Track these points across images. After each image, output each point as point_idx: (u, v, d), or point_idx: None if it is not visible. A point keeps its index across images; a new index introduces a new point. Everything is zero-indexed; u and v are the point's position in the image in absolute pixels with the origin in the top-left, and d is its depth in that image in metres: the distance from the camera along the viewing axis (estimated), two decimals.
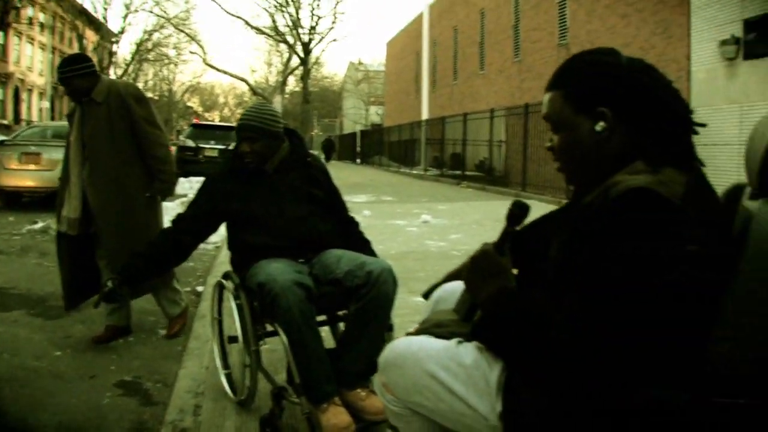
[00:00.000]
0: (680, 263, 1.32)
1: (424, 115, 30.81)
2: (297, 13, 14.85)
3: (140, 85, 46.44)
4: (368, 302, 2.94)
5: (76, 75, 4.23)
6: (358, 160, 45.72)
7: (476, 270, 1.68)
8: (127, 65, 42.54)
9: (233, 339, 3.24)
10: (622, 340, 1.34)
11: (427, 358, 1.71)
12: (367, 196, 16.04)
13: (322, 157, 44.32)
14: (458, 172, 23.70)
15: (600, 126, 1.55)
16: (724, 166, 13.82)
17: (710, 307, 1.37)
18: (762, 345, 1.37)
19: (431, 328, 1.88)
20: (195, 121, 33.90)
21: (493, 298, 1.59)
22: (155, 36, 42.60)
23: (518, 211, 1.73)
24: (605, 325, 1.35)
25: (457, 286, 2.07)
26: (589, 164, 1.61)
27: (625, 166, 1.51)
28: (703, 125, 1.60)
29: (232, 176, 3.28)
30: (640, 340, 1.35)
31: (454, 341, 1.73)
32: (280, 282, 2.78)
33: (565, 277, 1.48)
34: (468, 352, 1.67)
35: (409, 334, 1.98)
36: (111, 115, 4.23)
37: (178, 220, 3.33)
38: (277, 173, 3.28)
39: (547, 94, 1.68)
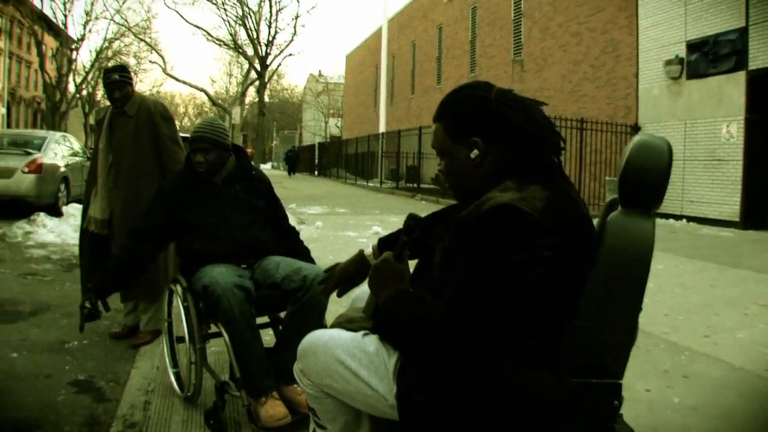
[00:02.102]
0: (535, 265, 1.58)
1: (382, 128, 30.95)
2: (256, 27, 15.01)
3: (99, 92, 45.89)
4: (303, 304, 3.21)
5: (128, 83, 4.57)
6: (317, 172, 45.62)
7: (378, 275, 1.94)
8: (87, 73, 41.94)
9: (181, 339, 3.46)
10: (487, 326, 1.60)
11: (337, 346, 1.95)
12: (322, 208, 16.16)
13: (286, 168, 43.80)
14: (414, 185, 23.86)
15: (474, 153, 1.83)
16: (669, 180, 14.27)
17: (566, 300, 1.65)
18: (608, 333, 1.68)
19: (344, 323, 2.13)
20: None
21: (389, 298, 1.83)
22: (115, 44, 42.13)
23: (412, 222, 2.01)
24: (473, 313, 1.60)
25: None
26: (468, 184, 1.89)
27: (497, 184, 1.76)
28: (563, 148, 1.88)
29: (183, 186, 3.51)
30: (503, 326, 1.60)
31: (360, 333, 1.98)
32: (222, 284, 3.04)
33: (445, 277, 1.74)
34: (371, 341, 1.91)
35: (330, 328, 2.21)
36: (139, 129, 4.49)
37: (137, 231, 3.54)
38: (224, 185, 3.54)
39: (434, 124, 1.95)
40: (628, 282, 1.67)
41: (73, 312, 5.18)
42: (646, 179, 1.69)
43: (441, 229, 2.05)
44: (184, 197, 3.46)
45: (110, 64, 45.81)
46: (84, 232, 4.67)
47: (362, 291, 2.39)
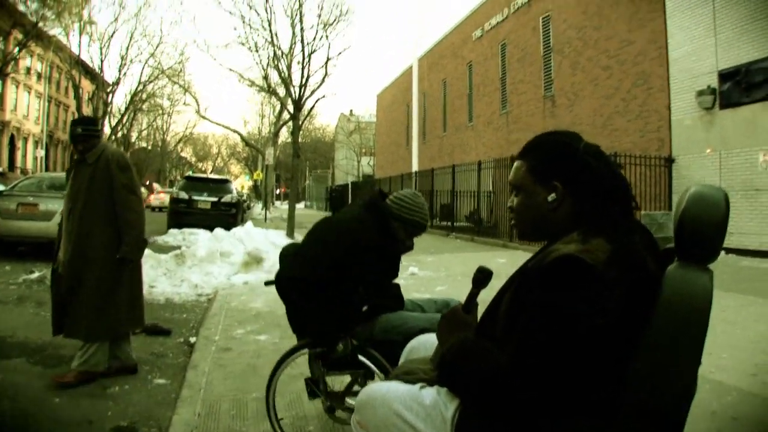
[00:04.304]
0: (598, 317, 1.62)
1: (415, 166, 31.03)
2: (288, 68, 15.23)
3: (134, 134, 46.66)
4: None
5: (94, 136, 4.77)
6: None
7: (445, 325, 2.04)
8: (122, 115, 42.86)
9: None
10: (550, 380, 1.62)
11: (394, 399, 1.99)
12: None
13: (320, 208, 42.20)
14: (448, 223, 23.79)
15: (552, 197, 1.90)
16: None
17: (626, 354, 1.66)
18: (667, 388, 1.66)
19: (402, 375, 2.17)
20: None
21: (453, 346, 1.88)
22: (150, 86, 42.99)
23: (481, 275, 2.09)
24: (537, 366, 1.63)
25: (429, 338, 2.47)
26: (536, 225, 1.96)
27: (566, 231, 1.84)
28: (637, 207, 1.94)
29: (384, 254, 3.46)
30: (565, 379, 1.63)
31: (417, 385, 2.02)
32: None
33: (509, 328, 1.78)
34: (428, 394, 1.95)
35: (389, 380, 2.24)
36: (95, 177, 4.67)
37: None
38: None
39: (516, 161, 2.02)
40: (687, 336, 1.66)
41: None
42: (703, 232, 1.68)
43: (508, 280, 2.07)
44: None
45: (145, 106, 46.92)
46: (53, 272, 4.86)
47: (418, 341, 2.52)
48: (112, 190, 4.65)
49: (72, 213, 4.68)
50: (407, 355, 2.51)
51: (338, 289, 3.18)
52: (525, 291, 1.75)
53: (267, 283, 4.01)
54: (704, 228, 1.67)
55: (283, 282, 3.38)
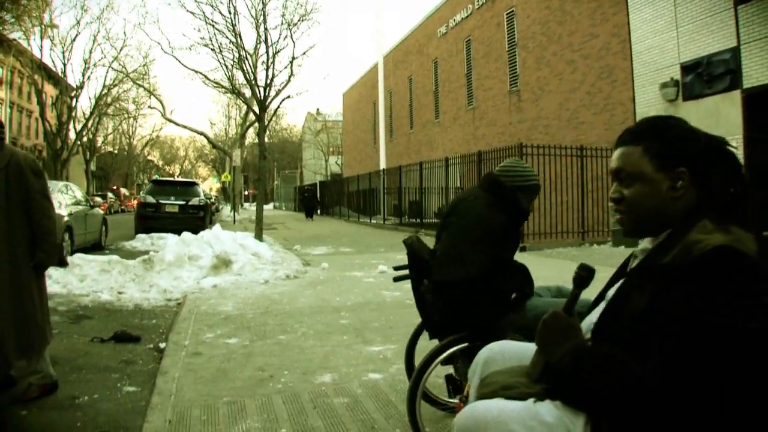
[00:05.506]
0: (760, 311, 1.45)
1: (383, 164, 31.08)
2: (254, 69, 15.12)
3: (100, 139, 46.03)
4: None
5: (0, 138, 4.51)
6: (318, 211, 45.42)
7: (549, 332, 1.77)
8: (87, 119, 42.39)
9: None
10: (711, 383, 1.44)
11: (510, 420, 1.75)
12: (327, 248, 16.13)
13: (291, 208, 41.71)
14: (417, 220, 23.81)
15: (680, 184, 1.71)
16: None
17: None
18: None
19: (500, 390, 1.92)
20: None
21: (570, 356, 1.67)
22: (114, 90, 42.59)
23: (584, 274, 1.86)
24: (695, 369, 1.44)
25: (504, 347, 2.26)
26: (656, 216, 1.75)
27: (688, 222, 1.66)
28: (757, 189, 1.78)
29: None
30: (728, 382, 1.44)
31: (530, 401, 1.78)
32: None
33: (648, 331, 1.57)
34: (548, 410, 1.72)
35: (480, 397, 1.99)
36: (8, 182, 4.44)
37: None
38: None
39: (620, 148, 1.82)
40: None
41: (82, 365, 5.16)
42: None
43: (614, 277, 1.91)
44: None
45: (110, 110, 46.43)
46: None
47: (493, 351, 2.26)
48: (28, 196, 4.45)
49: None
50: (483, 367, 2.21)
51: (492, 279, 3.20)
52: (669, 288, 1.55)
53: (396, 279, 4.07)
54: None
55: (440, 286, 3.29)
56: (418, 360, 3.29)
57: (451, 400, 3.57)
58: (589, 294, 1.99)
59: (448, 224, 3.48)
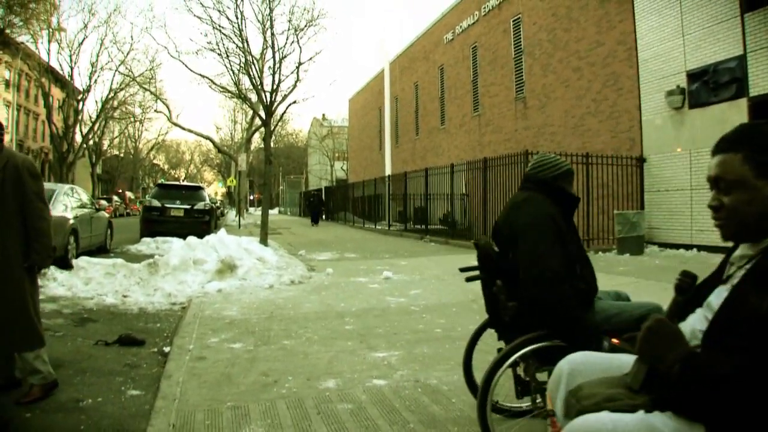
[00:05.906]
0: None
1: (388, 170, 31.07)
2: (260, 74, 15.11)
3: (106, 142, 46.11)
4: None
5: None
6: (323, 216, 45.24)
7: (654, 339, 1.73)
8: (93, 123, 42.51)
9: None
10: None
11: None
12: (332, 254, 16.11)
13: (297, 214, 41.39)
14: (422, 226, 23.75)
15: None
16: (678, 210, 14.27)
17: None
18: None
19: (603, 403, 1.85)
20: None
21: (681, 363, 1.63)
22: (121, 94, 42.72)
23: (687, 280, 1.86)
24: None
25: (586, 357, 2.23)
26: (758, 224, 1.75)
27: None
28: None
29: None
30: None
31: (640, 413, 1.75)
32: None
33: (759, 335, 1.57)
34: (664, 421, 1.69)
35: (580, 412, 1.91)
36: (4, 184, 4.46)
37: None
38: None
39: (718, 156, 1.83)
40: None
41: (86, 368, 5.17)
42: None
43: (711, 283, 1.91)
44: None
45: (116, 114, 46.56)
46: None
47: (576, 363, 2.21)
48: (23, 198, 4.47)
49: None
50: (568, 378, 2.15)
51: (572, 272, 3.27)
52: None
53: (468, 279, 4.01)
54: None
55: (529, 284, 3.21)
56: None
57: (518, 405, 3.69)
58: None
59: (513, 231, 3.39)
